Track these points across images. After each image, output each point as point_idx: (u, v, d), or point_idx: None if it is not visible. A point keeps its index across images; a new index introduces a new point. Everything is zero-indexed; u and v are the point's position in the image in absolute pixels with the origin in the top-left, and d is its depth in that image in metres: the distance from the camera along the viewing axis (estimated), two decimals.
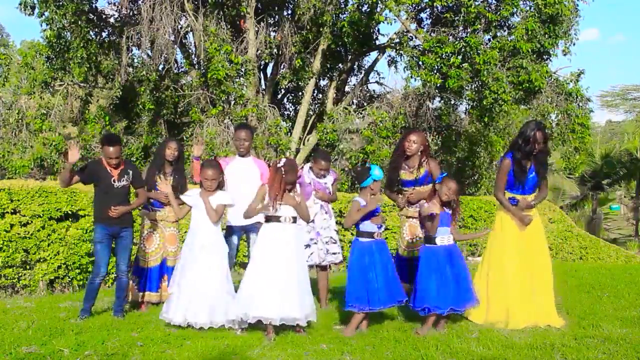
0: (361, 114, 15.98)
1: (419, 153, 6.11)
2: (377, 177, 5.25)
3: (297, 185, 5.46)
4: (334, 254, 6.39)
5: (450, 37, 13.49)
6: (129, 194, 6.26)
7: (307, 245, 6.26)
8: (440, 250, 5.27)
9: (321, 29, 14.14)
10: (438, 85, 13.58)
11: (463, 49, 13.12)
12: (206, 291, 5.41)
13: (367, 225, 5.29)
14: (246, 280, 5.25)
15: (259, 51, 14.27)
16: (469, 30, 13.37)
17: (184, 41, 15.30)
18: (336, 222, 6.77)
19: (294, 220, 5.29)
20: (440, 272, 5.21)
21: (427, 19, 15.67)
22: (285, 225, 5.24)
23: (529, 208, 5.54)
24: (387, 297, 5.21)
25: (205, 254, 5.51)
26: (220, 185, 5.73)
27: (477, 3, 13.25)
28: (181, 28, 14.39)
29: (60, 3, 13.15)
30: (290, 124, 16.81)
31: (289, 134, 15.31)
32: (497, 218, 5.76)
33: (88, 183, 6.17)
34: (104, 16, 15.21)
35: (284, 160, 5.31)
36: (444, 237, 5.28)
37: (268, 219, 5.29)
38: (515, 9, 13.43)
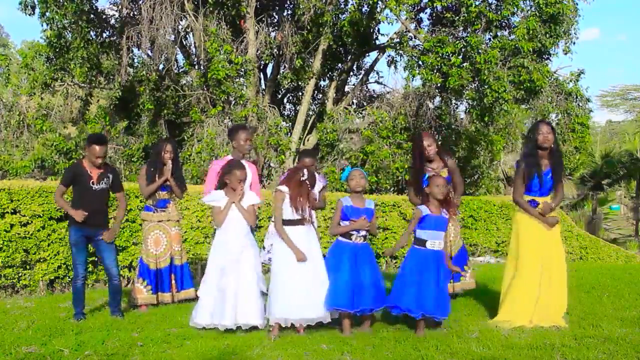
0: (361, 114, 15.98)
1: (437, 154, 6.23)
2: (344, 178, 5.45)
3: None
4: None
5: (451, 37, 13.49)
6: (108, 198, 6.23)
7: None
8: (428, 254, 5.24)
9: (321, 29, 14.13)
10: (438, 84, 13.58)
11: (464, 49, 13.12)
12: (252, 291, 5.42)
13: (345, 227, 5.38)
14: (286, 284, 5.24)
15: (259, 51, 14.27)
16: (469, 30, 13.37)
17: (184, 41, 15.30)
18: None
19: (311, 220, 5.44)
20: (423, 276, 5.17)
21: (427, 19, 15.69)
22: (307, 226, 5.36)
23: (551, 210, 5.51)
24: (347, 301, 5.18)
25: (242, 255, 5.51)
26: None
27: (477, 3, 13.25)
28: (181, 28, 14.39)
29: (61, 3, 13.15)
30: (290, 124, 16.81)
31: (289, 134, 15.31)
32: (515, 220, 5.71)
33: (70, 186, 6.11)
34: (104, 16, 15.21)
35: (305, 173, 5.39)
36: (434, 242, 5.23)
37: (289, 222, 5.33)
38: (515, 9, 13.44)
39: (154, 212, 6.75)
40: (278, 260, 5.36)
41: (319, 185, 6.56)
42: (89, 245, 6.20)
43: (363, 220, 5.29)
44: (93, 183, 5.96)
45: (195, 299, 6.70)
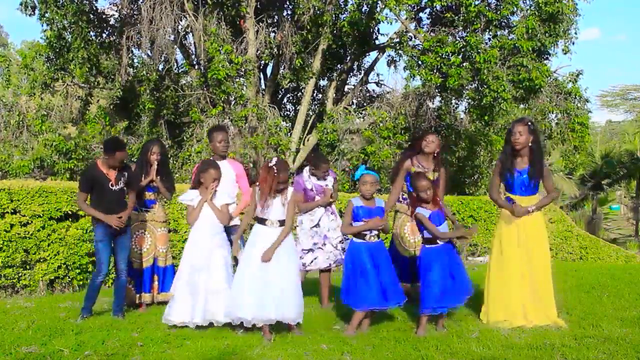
0: (361, 114, 15.98)
1: (435, 155, 6.31)
2: (357, 176, 5.40)
3: (290, 188, 5.47)
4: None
5: (450, 37, 13.49)
6: (126, 196, 6.26)
7: (310, 250, 6.27)
8: (442, 249, 5.28)
9: (321, 29, 14.14)
10: (438, 84, 13.58)
11: (463, 49, 13.12)
12: (220, 289, 5.41)
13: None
14: (234, 281, 5.32)
15: (259, 51, 14.27)
16: (469, 29, 13.37)
17: (184, 41, 15.30)
18: None
19: (281, 223, 5.29)
20: (443, 272, 5.22)
21: (426, 18, 15.68)
22: (270, 229, 5.27)
23: (527, 213, 5.49)
24: (378, 300, 5.20)
25: (213, 253, 5.52)
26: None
27: (477, 2, 13.25)
28: (181, 28, 14.39)
29: (61, 3, 13.16)
30: (290, 124, 16.81)
31: (289, 134, 15.31)
32: (499, 217, 5.79)
33: (90, 191, 6.11)
34: (104, 16, 15.21)
35: (275, 159, 5.32)
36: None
37: (257, 220, 5.33)
38: (515, 8, 13.45)
39: (138, 212, 6.76)
40: (241, 258, 5.35)
41: (330, 180, 6.60)
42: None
43: (377, 220, 5.29)
44: (112, 185, 6.00)
45: None
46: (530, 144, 5.46)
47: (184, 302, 5.48)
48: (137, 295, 6.68)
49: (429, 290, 5.20)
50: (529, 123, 5.49)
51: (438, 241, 5.27)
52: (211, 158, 6.55)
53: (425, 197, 5.27)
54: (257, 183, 5.37)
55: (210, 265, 5.49)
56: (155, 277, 6.76)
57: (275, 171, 5.21)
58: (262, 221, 5.29)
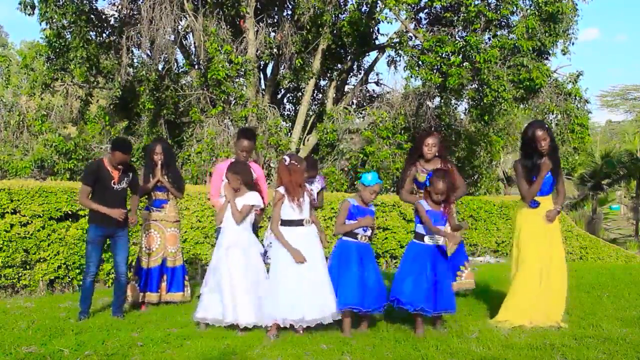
0: (361, 114, 15.99)
1: (438, 155, 6.25)
2: (368, 182, 5.27)
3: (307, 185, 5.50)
4: None
5: (450, 37, 13.50)
6: (127, 197, 6.27)
7: None
8: (427, 249, 5.27)
9: (321, 29, 14.15)
10: (438, 84, 13.59)
11: (463, 48, 13.13)
12: (244, 290, 5.40)
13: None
14: (282, 285, 5.18)
15: (259, 51, 14.28)
16: (469, 29, 13.38)
17: (184, 41, 15.31)
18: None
19: (311, 221, 5.34)
20: (420, 270, 5.19)
21: (426, 18, 15.69)
22: (307, 228, 5.28)
23: (555, 215, 5.53)
24: (358, 300, 5.17)
25: (233, 254, 5.50)
26: (250, 187, 5.67)
27: (477, 2, 13.26)
28: (181, 28, 14.39)
29: (60, 3, 13.16)
30: (290, 124, 16.82)
31: (289, 134, 15.32)
32: (517, 217, 5.76)
33: (93, 185, 6.10)
34: (104, 16, 15.22)
35: (287, 158, 5.32)
36: (433, 237, 5.27)
37: (287, 223, 5.26)
38: (515, 8, 13.46)
39: (149, 212, 6.79)
40: (277, 260, 5.31)
41: (317, 186, 6.61)
42: (105, 245, 6.23)
43: (369, 218, 5.27)
44: (114, 183, 6.01)
45: (180, 303, 6.74)
46: (550, 144, 5.52)
47: (207, 302, 5.51)
48: (142, 294, 6.69)
49: (397, 282, 5.22)
50: (547, 127, 5.56)
51: (425, 239, 5.25)
52: (232, 157, 6.55)
53: (436, 199, 5.27)
54: (280, 191, 5.28)
55: (229, 265, 5.46)
56: (164, 277, 6.77)
57: (297, 163, 5.23)
58: (297, 223, 5.24)
